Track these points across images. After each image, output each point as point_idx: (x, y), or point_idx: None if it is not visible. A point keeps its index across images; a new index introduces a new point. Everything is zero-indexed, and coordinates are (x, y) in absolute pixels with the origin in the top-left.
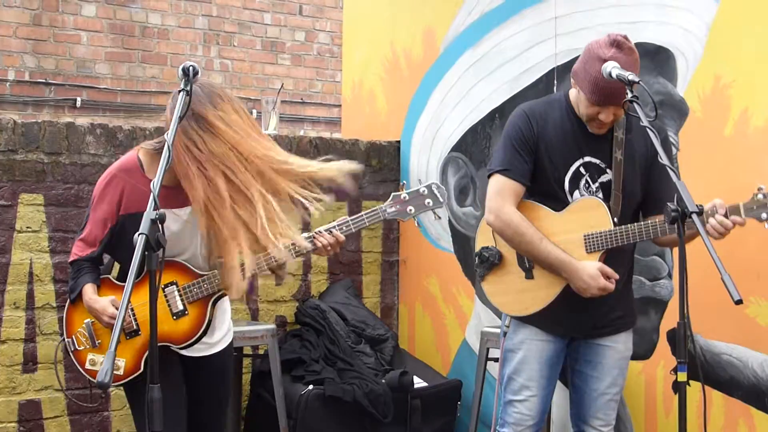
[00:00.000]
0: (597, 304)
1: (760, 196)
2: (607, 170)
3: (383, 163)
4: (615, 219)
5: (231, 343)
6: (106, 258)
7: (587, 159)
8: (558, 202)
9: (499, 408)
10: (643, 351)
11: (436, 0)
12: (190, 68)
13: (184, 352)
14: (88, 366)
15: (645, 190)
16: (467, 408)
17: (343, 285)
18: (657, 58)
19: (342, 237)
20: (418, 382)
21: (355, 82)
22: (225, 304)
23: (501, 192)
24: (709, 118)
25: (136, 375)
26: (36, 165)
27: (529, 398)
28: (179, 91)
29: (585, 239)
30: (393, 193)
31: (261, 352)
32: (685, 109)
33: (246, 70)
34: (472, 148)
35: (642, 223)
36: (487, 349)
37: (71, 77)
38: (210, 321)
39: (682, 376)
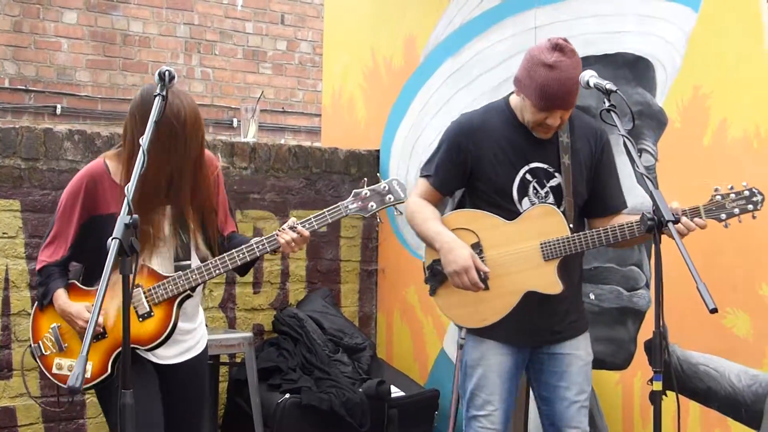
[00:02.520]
0: (552, 310)
1: (718, 197)
2: (556, 174)
3: (363, 172)
4: (570, 225)
5: (205, 350)
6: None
7: (533, 165)
8: (507, 211)
9: (459, 420)
10: (620, 361)
11: (417, 9)
12: (166, 73)
13: (156, 360)
14: (55, 370)
15: (591, 193)
16: (444, 418)
17: (321, 294)
18: (636, 68)
19: (306, 233)
20: (396, 392)
21: (335, 90)
22: (199, 311)
23: (417, 187)
24: (687, 129)
25: (104, 377)
26: (13, 171)
27: (493, 413)
28: (155, 96)
29: (542, 247)
30: (354, 190)
31: (238, 360)
32: (663, 120)
33: (227, 79)
34: None
35: (600, 229)
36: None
37: (51, 84)
38: (176, 322)
39: (658, 386)
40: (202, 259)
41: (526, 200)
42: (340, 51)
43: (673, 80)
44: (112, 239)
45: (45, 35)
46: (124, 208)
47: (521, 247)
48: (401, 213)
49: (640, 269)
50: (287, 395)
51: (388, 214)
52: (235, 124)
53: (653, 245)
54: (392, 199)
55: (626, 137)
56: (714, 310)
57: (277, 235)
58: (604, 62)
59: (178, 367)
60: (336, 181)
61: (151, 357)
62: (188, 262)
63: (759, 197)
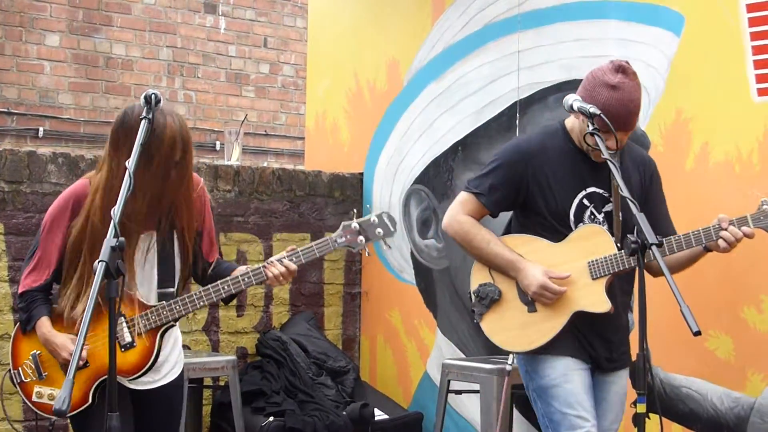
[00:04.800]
0: (613, 333)
1: (765, 206)
2: (611, 199)
3: (346, 195)
4: (618, 243)
5: (181, 375)
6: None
7: (591, 189)
8: (559, 235)
9: None
10: None
11: (400, 32)
12: (152, 96)
13: (131, 386)
14: (35, 398)
15: None
16: None
17: (304, 317)
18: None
19: (293, 266)
20: (379, 415)
21: (318, 113)
22: (176, 334)
23: (463, 203)
24: (670, 152)
25: (85, 407)
26: None
27: (591, 429)
28: (141, 119)
29: (589, 266)
30: (343, 223)
31: (221, 383)
32: (646, 143)
33: (210, 102)
34: (435, 181)
35: None
36: (448, 382)
37: (33, 107)
38: (158, 352)
39: (641, 408)
40: (185, 283)
41: (581, 225)
42: (324, 74)
43: (655, 104)
44: (98, 262)
45: (27, 58)
46: (111, 231)
47: (568, 268)
48: (389, 247)
49: None
50: (271, 418)
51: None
52: (218, 147)
53: (637, 268)
54: (381, 234)
55: (610, 161)
56: (698, 333)
57: (265, 269)
58: None
59: (154, 392)
60: (320, 204)
61: (125, 382)
62: (171, 289)
63: None
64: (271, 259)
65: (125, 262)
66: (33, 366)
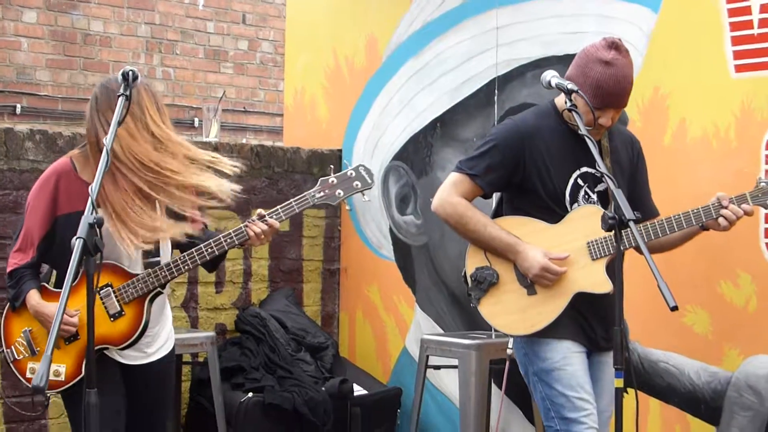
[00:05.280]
0: (607, 317)
1: (762, 183)
2: (603, 179)
3: (325, 172)
4: None
5: (172, 351)
6: (44, 267)
7: (584, 169)
8: (558, 216)
9: (422, 418)
10: None
11: (379, 9)
12: (130, 73)
13: (123, 360)
14: (29, 374)
15: (629, 196)
16: (407, 415)
17: (283, 293)
18: None
19: (276, 223)
20: (358, 390)
21: (297, 90)
22: (167, 312)
23: (456, 185)
24: (648, 129)
25: (79, 379)
26: None
27: (593, 411)
28: (118, 96)
29: (589, 246)
30: (321, 178)
31: (200, 359)
32: (624, 119)
33: (188, 79)
34: (414, 157)
35: (648, 223)
36: (427, 357)
37: (11, 84)
38: (147, 320)
39: (619, 383)
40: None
41: (576, 205)
42: (302, 51)
43: (633, 80)
44: (76, 239)
45: (4, 35)
46: (88, 207)
47: (567, 249)
48: (369, 200)
49: None
50: (250, 394)
51: (351, 215)
52: (196, 123)
53: (613, 244)
54: (359, 186)
55: (587, 136)
56: (675, 308)
57: (246, 227)
58: (566, 62)
59: (145, 368)
60: (298, 181)
61: (117, 357)
62: (158, 259)
63: None
64: (253, 218)
65: (102, 237)
66: (25, 343)
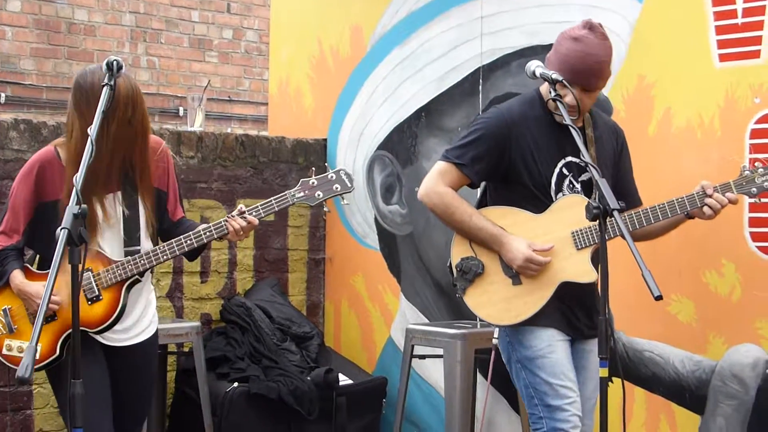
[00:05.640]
0: (590, 304)
1: (747, 172)
2: (587, 168)
3: (310, 161)
4: None
5: (155, 334)
6: (27, 252)
7: (569, 159)
8: (541, 205)
9: (407, 407)
10: None
11: None
12: (114, 63)
13: (105, 342)
14: (5, 351)
15: (613, 186)
16: (392, 405)
17: (268, 283)
18: None
19: (255, 220)
20: (344, 380)
21: (282, 79)
22: (150, 297)
23: (443, 174)
24: (633, 118)
25: (52, 359)
26: None
27: (576, 399)
28: (103, 85)
29: (573, 236)
30: (302, 179)
31: (186, 349)
32: (609, 109)
33: (173, 68)
34: (399, 147)
35: (632, 212)
36: (412, 347)
37: None
38: (124, 305)
39: (604, 372)
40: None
41: (561, 195)
42: (287, 40)
43: (618, 70)
44: (60, 229)
45: None
46: (73, 198)
47: (551, 239)
48: (347, 203)
49: None
50: (235, 384)
51: (335, 202)
52: (181, 113)
53: (598, 233)
54: (339, 189)
55: (572, 126)
56: (659, 298)
57: (226, 222)
58: None
59: (128, 349)
60: (283, 170)
61: (100, 338)
62: (137, 247)
63: None
64: (233, 213)
65: (88, 228)
66: (3, 320)
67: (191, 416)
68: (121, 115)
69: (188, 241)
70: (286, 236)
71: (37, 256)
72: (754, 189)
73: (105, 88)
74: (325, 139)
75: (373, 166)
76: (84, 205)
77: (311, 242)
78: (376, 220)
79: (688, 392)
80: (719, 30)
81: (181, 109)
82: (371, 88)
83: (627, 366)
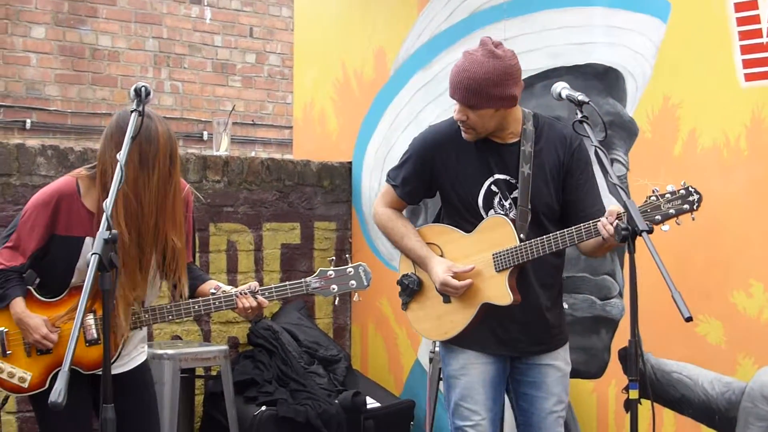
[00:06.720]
0: (532, 322)
1: (653, 197)
2: (517, 185)
3: (335, 184)
4: (521, 235)
5: (145, 363)
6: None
7: (497, 176)
8: (471, 224)
9: (436, 430)
10: (594, 370)
11: (387, 21)
12: (142, 89)
13: (88, 372)
14: None
15: (565, 202)
16: (420, 428)
17: (295, 306)
18: (606, 79)
19: (265, 302)
20: (371, 403)
21: (306, 103)
22: (143, 334)
23: (384, 195)
24: (658, 139)
25: (39, 391)
26: None
27: (480, 422)
28: (131, 111)
29: (494, 258)
30: (320, 269)
31: (213, 373)
32: (634, 129)
33: (196, 92)
34: None
35: (544, 237)
36: (440, 369)
37: (20, 99)
38: (119, 354)
39: (634, 394)
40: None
41: (491, 212)
42: (311, 63)
43: (643, 90)
44: (92, 254)
45: (13, 50)
46: (103, 223)
47: (476, 260)
48: (359, 299)
49: (612, 278)
50: (263, 407)
51: (360, 224)
52: (205, 137)
53: (627, 254)
54: (354, 285)
55: (599, 148)
56: (689, 319)
57: (237, 298)
58: (575, 73)
59: (115, 378)
60: (309, 194)
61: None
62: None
63: (695, 196)
64: (245, 289)
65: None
66: None
67: None
68: (161, 163)
69: (196, 307)
70: (312, 259)
71: (38, 279)
72: (659, 216)
73: (133, 114)
74: (350, 162)
75: None
76: (115, 231)
77: (337, 264)
78: None
79: (717, 414)
80: (744, 49)
81: (205, 133)
82: (395, 111)
83: (656, 388)
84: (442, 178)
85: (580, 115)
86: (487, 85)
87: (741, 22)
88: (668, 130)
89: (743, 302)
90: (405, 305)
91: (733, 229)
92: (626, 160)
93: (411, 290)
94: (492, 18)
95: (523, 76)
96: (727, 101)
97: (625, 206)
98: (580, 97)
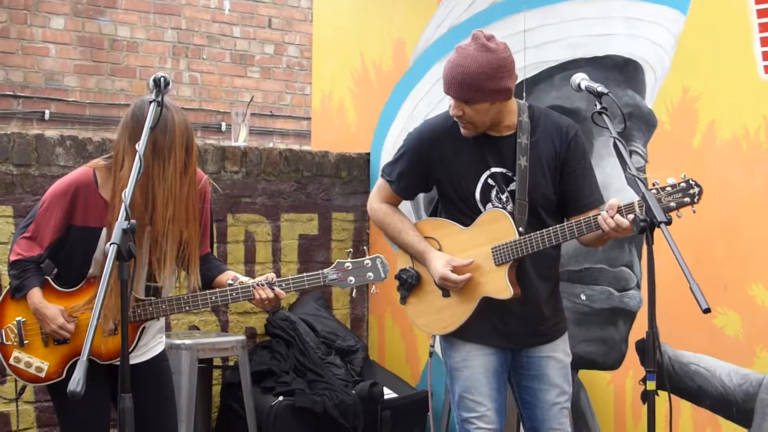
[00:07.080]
0: (530, 314)
1: (653, 191)
2: (514, 178)
3: (353, 175)
4: (520, 228)
5: (163, 352)
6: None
7: (494, 170)
8: (469, 217)
9: (453, 420)
10: (611, 361)
11: (406, 12)
12: (162, 79)
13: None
14: (12, 362)
15: (562, 193)
16: (437, 418)
17: (313, 296)
18: (625, 71)
19: (283, 294)
20: (388, 393)
21: (324, 94)
22: (161, 324)
23: (379, 190)
24: (677, 131)
25: (56, 380)
26: (5, 177)
27: (486, 413)
28: (150, 102)
29: (492, 252)
30: (338, 260)
31: (231, 363)
32: (653, 121)
33: (215, 83)
34: None
35: (544, 230)
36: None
37: (39, 90)
38: (137, 344)
39: (651, 385)
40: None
41: (489, 206)
42: (329, 54)
43: (662, 82)
44: (110, 244)
45: (32, 41)
46: (122, 214)
47: (474, 254)
48: (377, 292)
49: (630, 270)
50: (281, 398)
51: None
52: (223, 128)
53: (645, 245)
54: (371, 277)
55: (618, 139)
56: (707, 311)
57: (254, 289)
58: (594, 65)
59: (133, 368)
60: (327, 185)
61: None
62: (158, 284)
63: (696, 189)
64: (262, 281)
65: (135, 243)
66: (16, 331)
67: (236, 430)
68: (177, 155)
69: (213, 298)
70: (329, 250)
71: (55, 269)
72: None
73: (152, 104)
74: (368, 154)
75: None
76: (133, 221)
77: (355, 256)
78: None
79: (735, 405)
80: (764, 41)
81: (223, 124)
82: (414, 102)
83: (673, 379)
84: (438, 172)
85: (599, 107)
86: (481, 79)
87: (761, 14)
88: (687, 122)
89: (761, 294)
90: (403, 299)
91: (752, 221)
92: (645, 152)
93: (409, 285)
94: (512, 9)
95: (543, 67)
96: (747, 93)
97: (643, 197)
98: (599, 88)
